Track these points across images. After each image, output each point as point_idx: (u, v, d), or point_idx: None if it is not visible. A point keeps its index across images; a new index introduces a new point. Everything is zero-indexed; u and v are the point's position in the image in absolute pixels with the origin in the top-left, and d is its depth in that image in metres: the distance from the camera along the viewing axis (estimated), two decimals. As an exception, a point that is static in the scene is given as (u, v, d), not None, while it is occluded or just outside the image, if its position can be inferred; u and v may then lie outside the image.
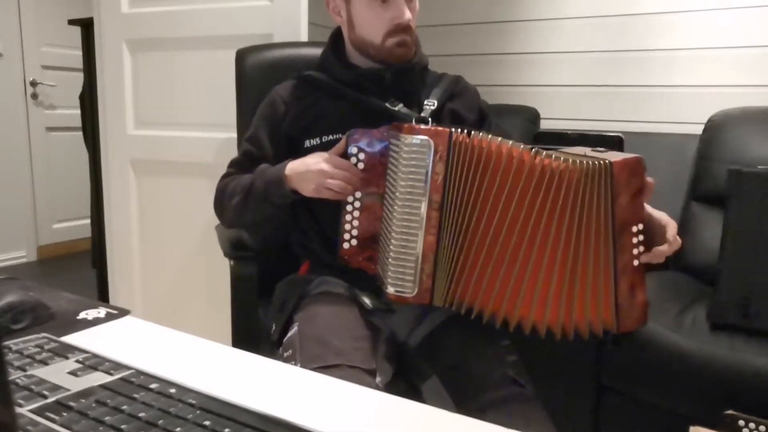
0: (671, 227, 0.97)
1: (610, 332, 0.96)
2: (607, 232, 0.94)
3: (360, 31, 1.16)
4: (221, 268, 1.27)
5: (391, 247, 0.97)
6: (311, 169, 1.05)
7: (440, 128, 0.96)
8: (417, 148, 0.95)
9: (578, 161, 0.92)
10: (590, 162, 0.93)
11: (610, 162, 0.93)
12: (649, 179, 0.95)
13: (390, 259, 0.97)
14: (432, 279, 0.96)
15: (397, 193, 0.96)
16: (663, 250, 0.95)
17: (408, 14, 1.12)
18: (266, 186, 1.10)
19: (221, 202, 1.21)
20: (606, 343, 1.53)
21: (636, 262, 0.95)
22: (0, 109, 3.54)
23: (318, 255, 1.18)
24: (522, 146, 0.94)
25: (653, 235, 0.98)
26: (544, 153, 0.93)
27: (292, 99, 1.21)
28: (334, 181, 1.02)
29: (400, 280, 0.97)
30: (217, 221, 1.43)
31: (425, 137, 0.95)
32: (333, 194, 1.04)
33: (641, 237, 0.95)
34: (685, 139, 2.04)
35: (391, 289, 0.98)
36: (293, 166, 1.08)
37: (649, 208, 0.99)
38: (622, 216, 0.93)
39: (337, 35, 1.25)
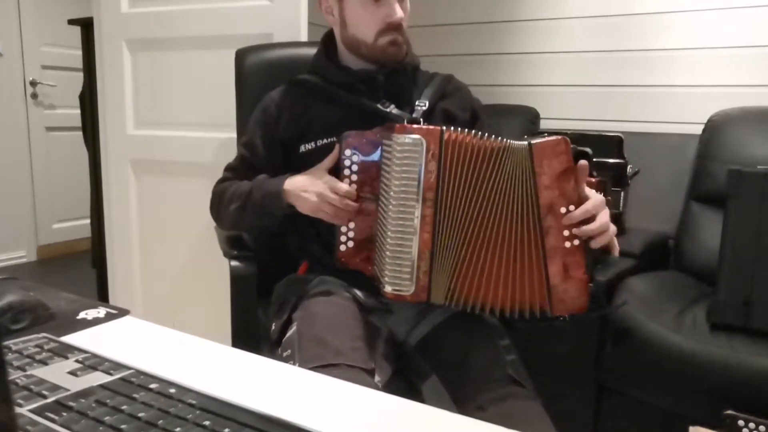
0: (603, 212, 0.96)
1: (548, 314, 0.96)
2: (532, 213, 0.94)
3: (352, 30, 1.16)
4: (221, 268, 1.27)
5: (387, 246, 0.98)
6: (310, 190, 1.07)
7: (432, 127, 0.97)
8: (409, 147, 0.96)
9: (500, 139, 0.95)
10: (509, 141, 0.95)
11: (529, 143, 0.94)
12: (581, 162, 0.95)
13: (387, 259, 0.97)
14: (429, 276, 0.97)
15: (391, 193, 0.97)
16: (592, 229, 0.94)
17: (400, 13, 1.13)
18: (263, 198, 1.12)
19: (218, 208, 1.23)
20: (604, 343, 1.53)
21: (568, 244, 0.94)
22: (0, 109, 3.53)
23: (316, 257, 1.18)
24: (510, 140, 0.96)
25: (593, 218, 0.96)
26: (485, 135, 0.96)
27: (285, 104, 1.21)
28: (331, 207, 1.05)
29: (398, 278, 0.97)
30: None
31: (417, 136, 0.95)
32: (328, 218, 1.07)
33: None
34: (685, 139, 2.04)
35: (389, 288, 0.98)
36: (293, 182, 1.10)
37: (589, 191, 0.97)
38: (546, 197, 0.94)
39: (329, 37, 1.25)
